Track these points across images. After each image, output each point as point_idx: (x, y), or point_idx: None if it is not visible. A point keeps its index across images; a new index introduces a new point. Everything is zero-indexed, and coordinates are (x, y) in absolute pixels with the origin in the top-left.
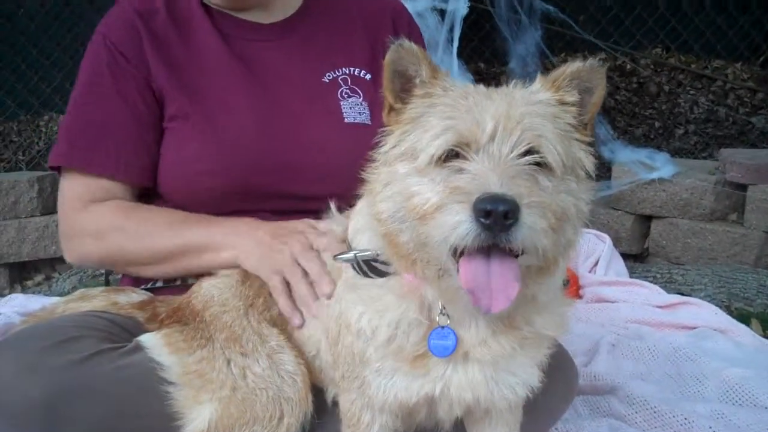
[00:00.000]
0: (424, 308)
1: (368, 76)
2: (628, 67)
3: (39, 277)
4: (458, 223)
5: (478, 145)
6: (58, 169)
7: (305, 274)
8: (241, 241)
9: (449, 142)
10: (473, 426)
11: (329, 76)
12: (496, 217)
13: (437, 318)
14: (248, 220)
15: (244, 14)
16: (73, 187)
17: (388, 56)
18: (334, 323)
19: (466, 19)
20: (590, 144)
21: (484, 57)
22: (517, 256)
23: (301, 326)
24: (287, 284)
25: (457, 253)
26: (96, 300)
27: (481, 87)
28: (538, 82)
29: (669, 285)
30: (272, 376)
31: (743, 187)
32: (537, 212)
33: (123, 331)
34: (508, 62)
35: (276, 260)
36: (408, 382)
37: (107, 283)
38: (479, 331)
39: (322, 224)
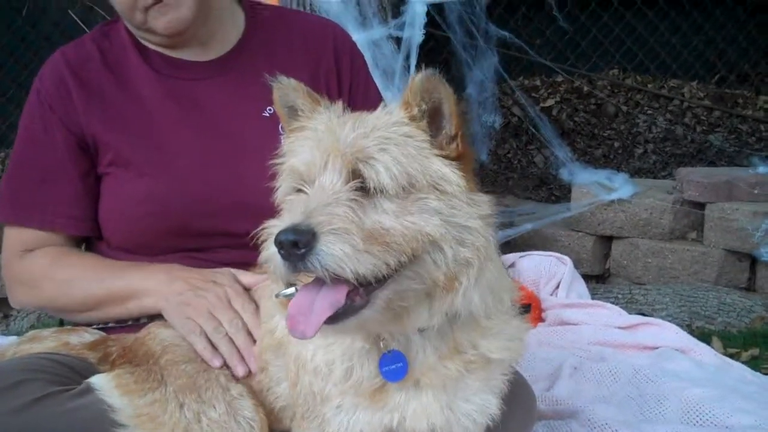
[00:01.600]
0: (370, 336)
1: None
2: (585, 89)
3: None
4: (271, 257)
5: (312, 179)
6: None
7: (220, 325)
8: (159, 288)
9: (291, 181)
10: None
11: (269, 110)
12: (287, 248)
13: (381, 344)
14: (168, 267)
15: (180, 52)
16: (11, 237)
17: (274, 94)
18: (292, 364)
19: (422, 46)
20: (458, 157)
21: None
22: (363, 285)
23: (244, 376)
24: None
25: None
26: (47, 341)
27: (340, 117)
28: (396, 103)
29: (630, 305)
30: (228, 422)
31: (701, 206)
32: (338, 238)
33: (74, 373)
34: (465, 88)
35: (190, 311)
36: (369, 417)
37: (61, 323)
38: (426, 356)
39: (245, 277)
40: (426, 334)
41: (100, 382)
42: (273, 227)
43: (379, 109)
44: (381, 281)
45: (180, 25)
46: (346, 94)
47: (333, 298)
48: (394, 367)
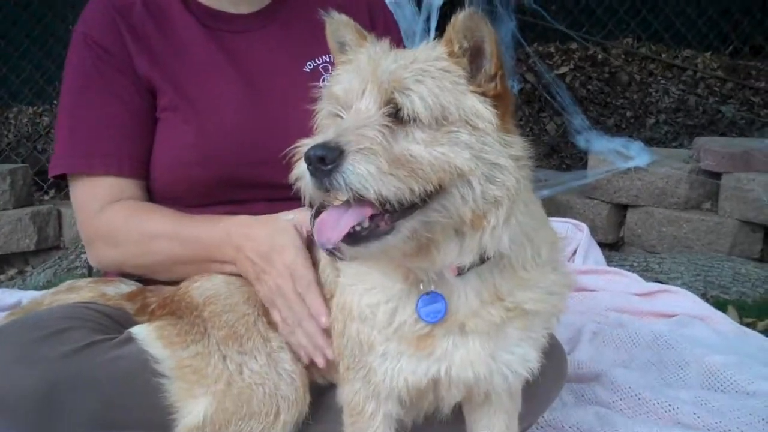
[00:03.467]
0: (408, 278)
1: None
2: (600, 57)
3: (12, 271)
4: (301, 174)
5: (350, 104)
6: (62, 177)
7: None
8: (236, 256)
9: (330, 106)
10: (473, 414)
11: (310, 65)
12: (314, 163)
13: (421, 286)
14: (244, 224)
15: (221, 3)
16: (82, 192)
17: (327, 29)
18: (339, 314)
19: (442, 8)
20: (495, 96)
21: None
22: (387, 212)
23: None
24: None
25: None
26: (84, 291)
27: (384, 51)
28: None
29: (646, 273)
30: (270, 373)
31: (717, 176)
32: (364, 158)
33: (113, 323)
34: None
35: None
36: (415, 365)
37: (90, 274)
38: (468, 300)
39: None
40: (466, 278)
41: (143, 332)
42: (305, 145)
43: (423, 44)
44: (407, 210)
45: None
46: None
47: (358, 214)
48: (432, 307)
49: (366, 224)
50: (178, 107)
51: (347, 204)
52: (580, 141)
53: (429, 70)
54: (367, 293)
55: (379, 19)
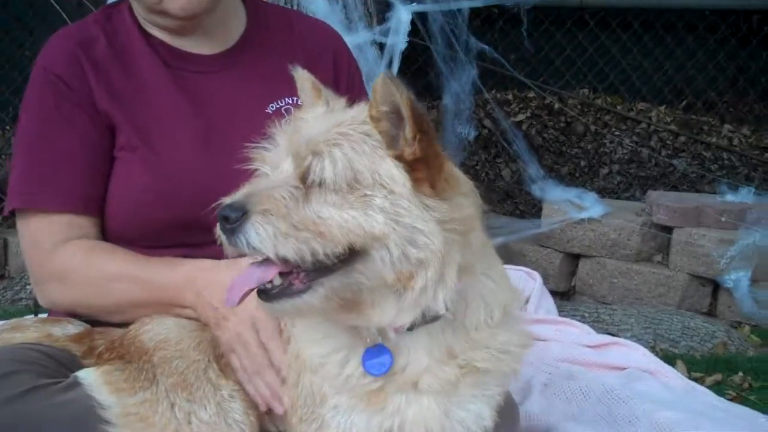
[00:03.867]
0: (355, 330)
1: None
2: (556, 106)
3: None
4: (218, 231)
5: (276, 166)
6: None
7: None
8: (196, 302)
9: (260, 165)
10: None
11: (272, 106)
12: (221, 222)
13: (368, 339)
14: (196, 269)
15: (184, 44)
16: (37, 229)
17: (296, 82)
18: (294, 364)
19: (404, 52)
20: (417, 159)
21: (417, 91)
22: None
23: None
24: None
25: None
26: (29, 331)
27: (326, 111)
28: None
29: (596, 324)
30: (219, 423)
31: (669, 230)
32: (264, 219)
33: (59, 366)
34: (440, 96)
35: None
36: (367, 420)
37: (35, 309)
38: (418, 356)
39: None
40: (416, 336)
41: (89, 377)
42: (221, 202)
43: (362, 104)
44: (325, 270)
45: (197, 8)
46: None
47: (261, 275)
48: (377, 360)
49: (277, 282)
50: (136, 147)
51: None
52: (536, 189)
53: (349, 134)
54: (317, 343)
55: (343, 65)
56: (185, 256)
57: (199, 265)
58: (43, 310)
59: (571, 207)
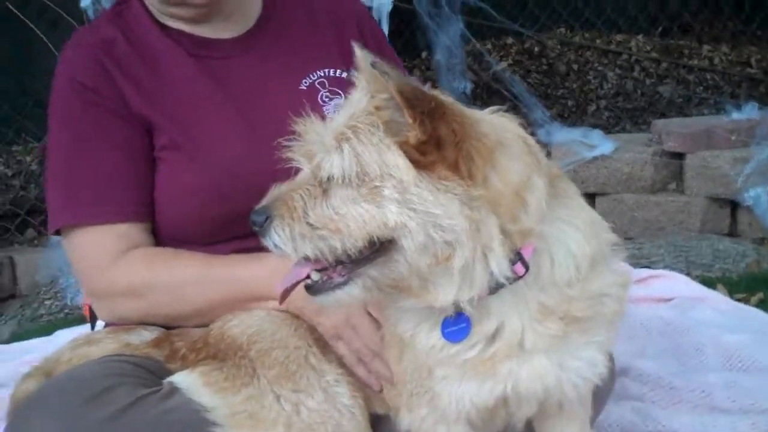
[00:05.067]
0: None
1: (344, 74)
2: (536, 49)
3: None
4: None
5: (310, 160)
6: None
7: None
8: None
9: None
10: (544, 425)
11: (306, 82)
12: (252, 225)
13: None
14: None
15: (203, 30)
16: (89, 244)
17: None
18: (394, 342)
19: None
20: (424, 142)
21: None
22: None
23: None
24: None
25: None
26: (105, 343)
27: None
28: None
29: (629, 260)
30: (329, 410)
31: (680, 156)
32: (280, 222)
33: (148, 374)
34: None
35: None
36: (478, 385)
37: (92, 326)
38: (510, 319)
39: None
40: (498, 299)
41: (186, 380)
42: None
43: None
44: (361, 261)
45: None
46: None
47: (295, 273)
48: (456, 328)
49: (315, 277)
50: (180, 145)
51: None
52: (542, 134)
53: (358, 127)
54: (402, 320)
55: (367, 28)
56: (241, 249)
57: (277, 258)
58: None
59: (581, 147)
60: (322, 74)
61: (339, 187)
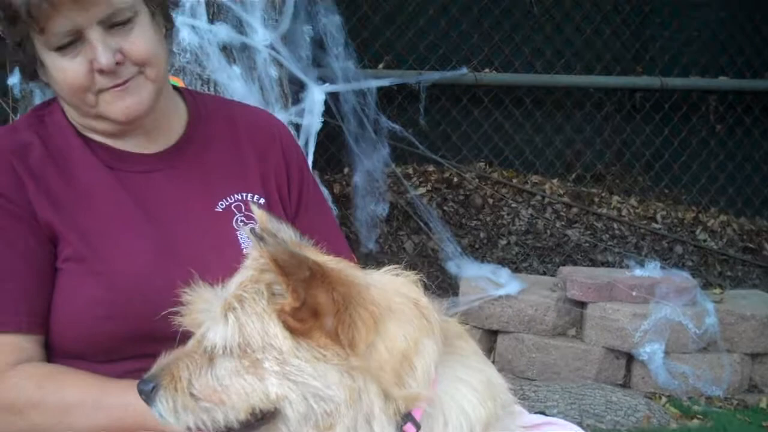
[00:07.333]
0: None
1: (262, 200)
2: (455, 180)
3: None
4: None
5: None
6: None
7: None
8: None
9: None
10: None
11: (222, 204)
12: (139, 395)
13: None
14: None
15: (124, 144)
16: None
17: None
18: None
19: (319, 134)
20: (299, 310)
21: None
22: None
23: None
24: None
25: None
26: None
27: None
28: None
29: (523, 402)
30: None
31: (582, 304)
32: (165, 393)
33: None
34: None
35: None
36: None
37: None
38: None
39: None
40: None
41: None
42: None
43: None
44: (248, 428)
45: (139, 111)
46: (295, 201)
47: None
48: None
49: None
50: (84, 257)
51: None
52: (452, 267)
53: (244, 297)
54: None
55: (292, 155)
56: (137, 369)
57: None
58: None
59: (488, 284)
60: (240, 198)
61: (223, 357)
